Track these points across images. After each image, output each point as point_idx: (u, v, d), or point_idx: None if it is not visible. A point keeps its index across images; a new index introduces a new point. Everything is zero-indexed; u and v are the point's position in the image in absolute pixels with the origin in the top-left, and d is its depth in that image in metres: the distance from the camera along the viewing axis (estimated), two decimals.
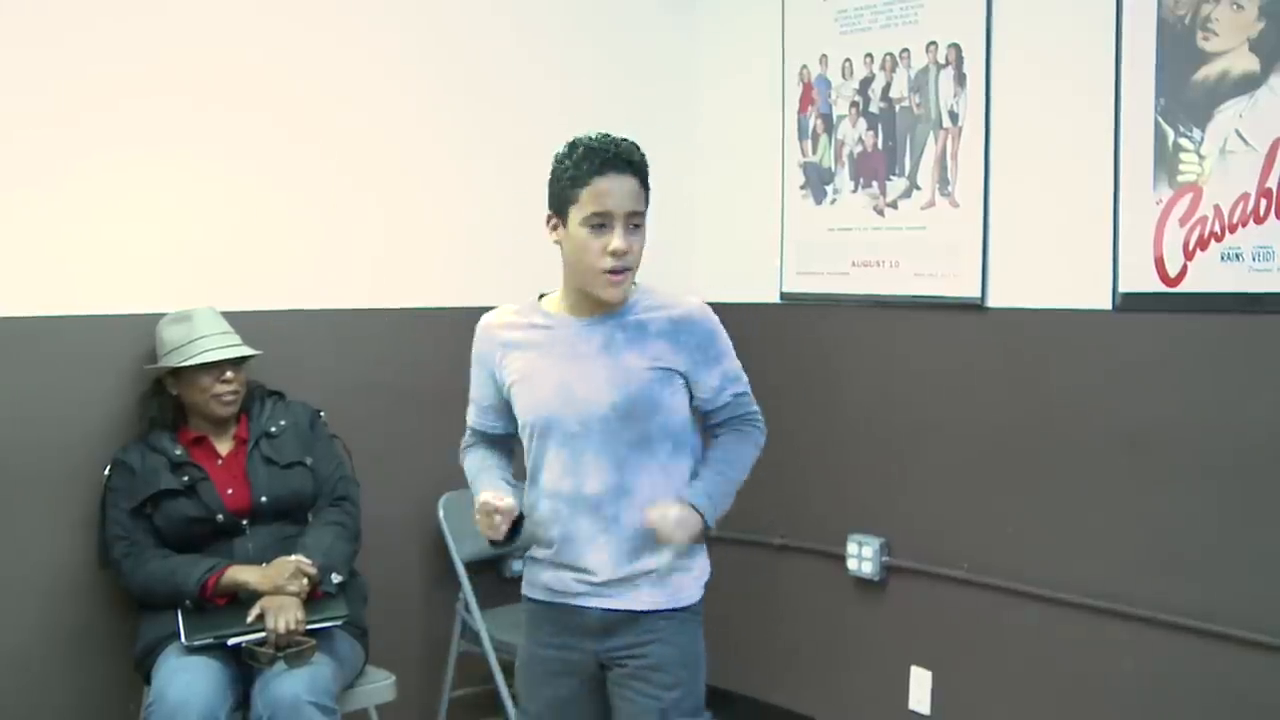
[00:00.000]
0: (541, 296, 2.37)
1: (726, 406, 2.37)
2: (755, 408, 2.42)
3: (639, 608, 2.29)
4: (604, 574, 2.28)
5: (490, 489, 2.28)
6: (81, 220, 2.97)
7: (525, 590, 2.41)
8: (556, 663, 2.34)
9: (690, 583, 2.35)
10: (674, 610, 2.31)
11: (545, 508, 2.29)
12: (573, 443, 2.25)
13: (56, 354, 2.94)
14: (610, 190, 2.17)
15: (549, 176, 2.25)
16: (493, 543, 2.26)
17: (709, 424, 2.39)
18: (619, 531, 2.26)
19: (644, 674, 2.29)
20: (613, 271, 2.19)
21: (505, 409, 2.37)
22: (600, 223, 2.17)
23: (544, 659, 2.36)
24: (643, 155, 2.24)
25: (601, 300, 2.24)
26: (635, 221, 2.21)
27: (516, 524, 2.25)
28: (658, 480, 2.28)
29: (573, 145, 2.23)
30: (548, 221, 2.26)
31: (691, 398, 2.34)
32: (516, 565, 3.70)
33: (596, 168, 2.17)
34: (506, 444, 2.45)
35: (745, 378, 2.40)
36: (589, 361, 2.26)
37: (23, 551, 2.91)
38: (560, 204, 2.22)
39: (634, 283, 2.29)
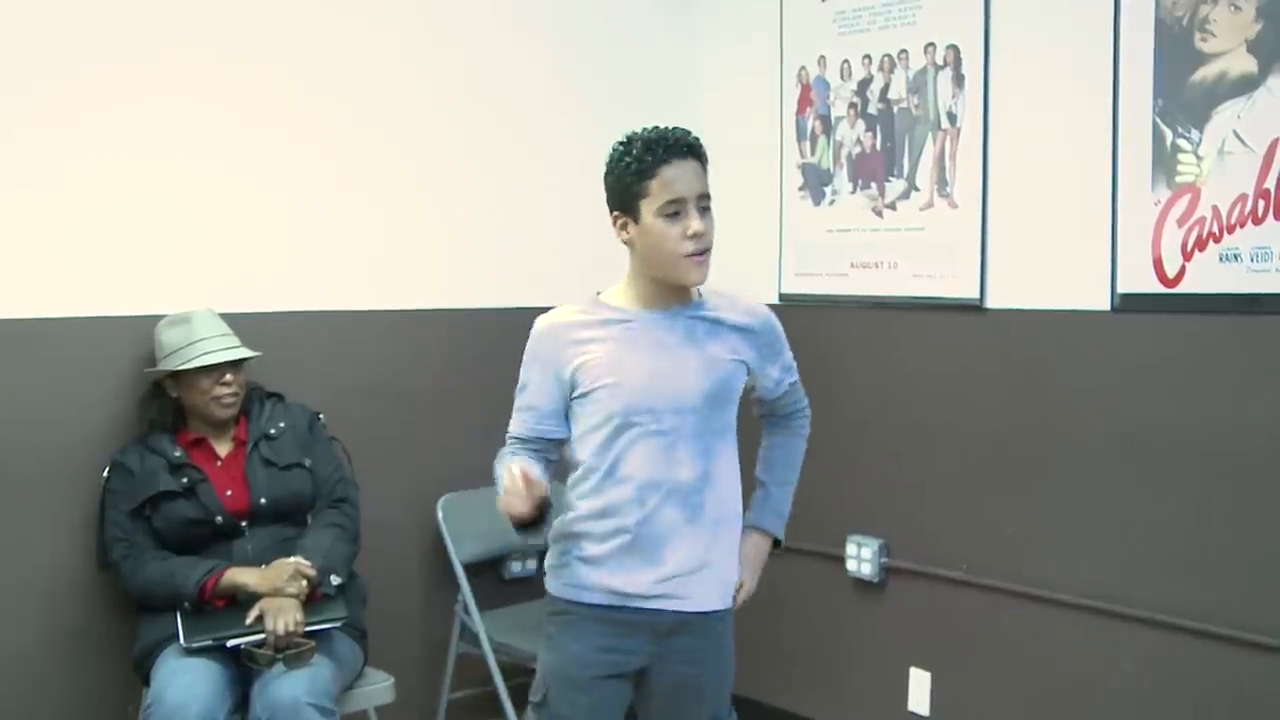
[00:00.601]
0: (598, 294, 2.36)
1: (785, 395, 2.47)
2: (805, 399, 2.54)
3: (708, 608, 2.31)
4: (685, 566, 2.27)
5: (510, 462, 2.18)
6: (80, 221, 2.97)
7: (568, 593, 2.31)
8: (605, 667, 2.29)
9: (734, 583, 2.40)
10: (726, 610, 2.37)
11: (625, 497, 2.24)
12: (666, 432, 2.25)
13: (55, 356, 2.94)
14: (679, 175, 2.20)
15: (606, 176, 2.26)
16: (519, 527, 2.15)
17: (767, 412, 2.50)
18: (703, 520, 2.28)
19: (700, 679, 2.35)
20: (695, 254, 2.21)
21: (564, 413, 2.32)
22: (675, 210, 2.20)
23: (591, 664, 2.28)
24: (698, 138, 2.27)
25: (676, 290, 2.28)
26: (704, 204, 2.24)
27: (543, 513, 2.15)
28: (730, 468, 2.34)
29: (629, 141, 2.25)
30: (615, 222, 2.27)
31: (751, 390, 2.42)
32: (515, 567, 3.72)
33: (661, 157, 2.20)
34: (552, 455, 2.37)
35: (795, 365, 2.50)
36: (677, 351, 2.27)
37: (22, 553, 2.91)
38: (627, 200, 2.23)
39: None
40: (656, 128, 2.25)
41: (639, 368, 2.25)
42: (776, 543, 2.49)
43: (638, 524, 2.25)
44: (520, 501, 2.11)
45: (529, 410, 2.34)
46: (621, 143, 2.26)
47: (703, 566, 2.29)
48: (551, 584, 2.36)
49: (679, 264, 2.22)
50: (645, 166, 2.20)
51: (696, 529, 2.28)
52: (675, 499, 2.26)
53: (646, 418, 2.24)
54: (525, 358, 2.35)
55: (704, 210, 2.23)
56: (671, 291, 2.29)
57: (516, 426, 2.36)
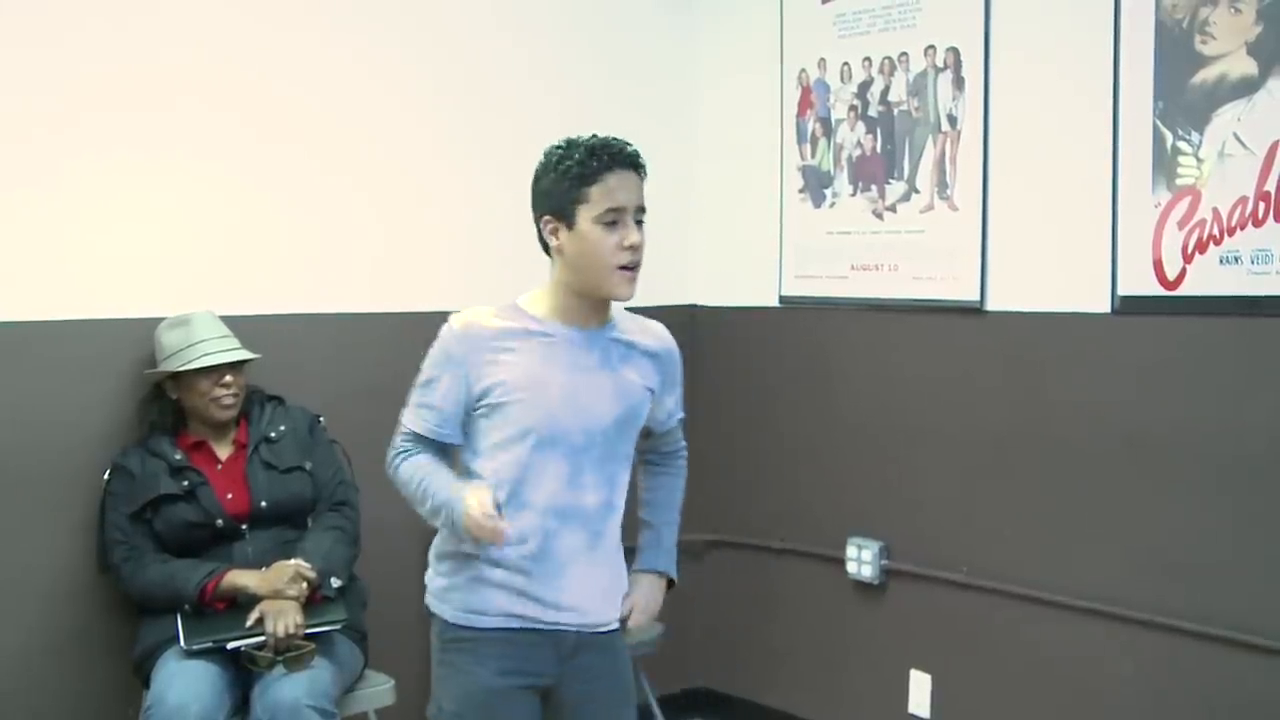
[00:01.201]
0: (518, 299, 2.31)
1: (671, 431, 2.45)
2: (685, 440, 2.52)
3: (608, 623, 2.30)
4: (586, 592, 2.25)
5: (474, 488, 2.15)
6: (81, 224, 2.98)
7: (465, 619, 2.24)
8: (512, 692, 2.23)
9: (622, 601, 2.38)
10: (621, 620, 2.35)
11: (529, 522, 2.19)
12: (575, 455, 2.21)
13: (56, 358, 2.94)
14: (621, 185, 2.18)
15: (541, 179, 2.22)
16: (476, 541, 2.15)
17: (650, 448, 2.44)
18: (603, 547, 2.28)
19: (606, 695, 2.31)
20: (627, 267, 2.18)
21: (465, 419, 2.25)
22: (614, 219, 2.16)
23: (501, 688, 2.22)
24: (639, 152, 2.25)
25: (595, 307, 2.24)
26: (640, 218, 2.22)
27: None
28: (623, 496, 2.33)
29: (569, 145, 2.21)
30: (544, 226, 2.22)
31: None
32: None
33: (606, 164, 2.17)
34: (448, 456, 2.30)
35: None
36: (592, 374, 2.24)
37: (22, 555, 2.91)
38: (564, 204, 2.17)
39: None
40: (598, 135, 2.22)
41: (555, 386, 2.21)
42: (671, 583, 2.44)
43: (540, 548, 2.21)
44: (496, 535, 2.11)
45: (432, 410, 2.26)
46: (560, 146, 2.21)
47: (603, 588, 2.31)
48: (443, 609, 2.29)
49: (610, 276, 2.18)
50: (589, 172, 2.16)
51: (596, 556, 2.27)
52: (577, 525, 2.23)
53: (559, 439, 2.19)
54: (436, 354, 2.26)
55: (639, 224, 2.21)
56: (592, 309, 2.25)
57: (415, 422, 2.28)
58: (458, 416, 2.25)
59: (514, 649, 2.22)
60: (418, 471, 2.26)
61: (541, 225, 2.22)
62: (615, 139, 2.22)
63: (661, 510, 2.46)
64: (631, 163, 2.21)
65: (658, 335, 2.36)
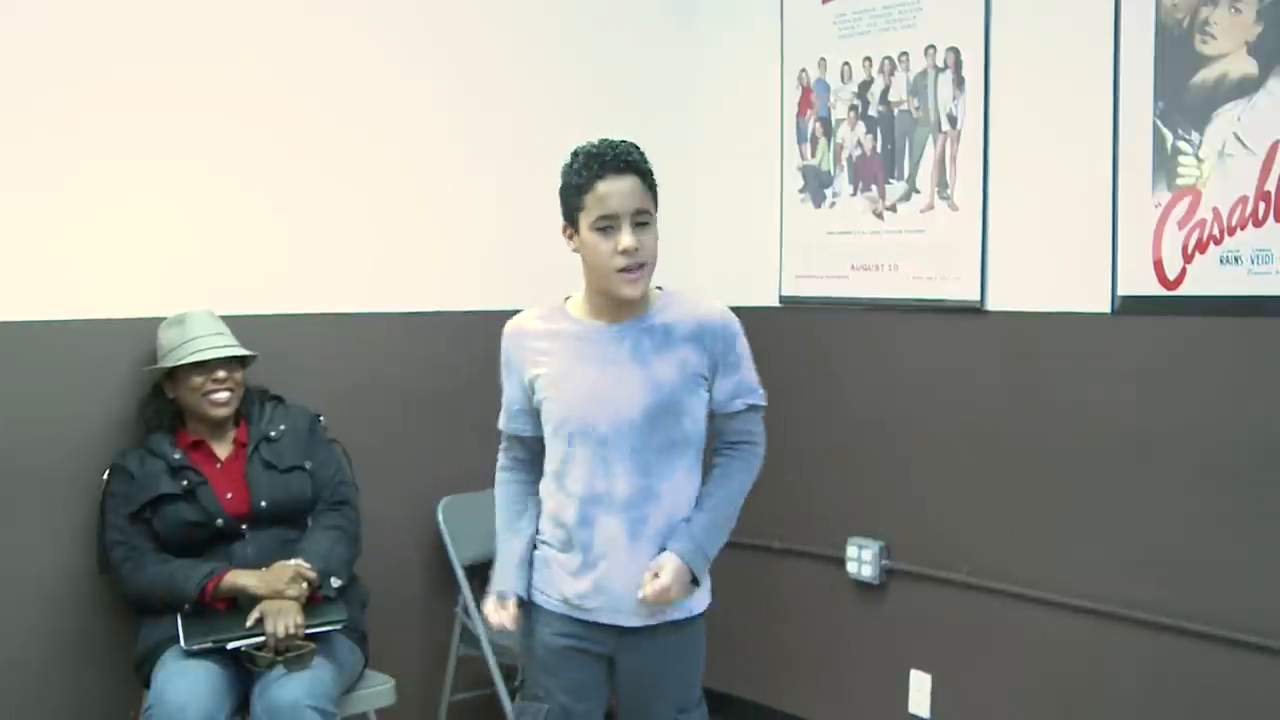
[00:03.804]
0: (567, 299, 2.41)
1: (737, 417, 2.40)
2: (760, 430, 2.45)
3: (655, 621, 2.35)
4: (628, 584, 2.30)
5: (499, 589, 2.40)
6: (80, 224, 2.97)
7: (536, 594, 2.42)
8: (575, 649, 2.38)
9: (699, 595, 2.41)
10: (685, 620, 2.39)
11: (570, 511, 2.32)
12: (604, 448, 2.29)
13: (55, 358, 2.94)
14: (612, 191, 2.24)
15: (561, 187, 2.32)
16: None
17: (717, 429, 2.42)
18: (644, 535, 2.32)
19: (657, 684, 2.39)
20: (626, 270, 2.25)
21: (535, 413, 2.40)
22: (607, 225, 2.24)
23: (560, 647, 2.39)
24: (642, 154, 2.30)
25: (623, 301, 2.30)
26: (642, 219, 2.27)
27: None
28: (682, 483, 2.35)
29: (574, 155, 2.30)
30: (564, 232, 2.33)
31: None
32: None
33: (596, 172, 2.25)
34: (538, 449, 2.44)
35: (762, 393, 2.43)
36: (619, 367, 2.30)
37: (22, 555, 2.91)
38: (570, 212, 2.30)
39: (658, 286, 2.38)
40: (604, 140, 2.29)
41: (580, 382, 2.31)
42: (695, 580, 2.35)
43: (581, 535, 2.33)
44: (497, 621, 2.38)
45: (506, 410, 2.46)
46: (570, 155, 2.31)
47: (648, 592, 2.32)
48: (530, 580, 2.44)
49: (612, 278, 2.26)
50: (583, 181, 2.25)
51: (638, 545, 2.31)
52: (614, 513, 2.30)
53: (586, 433, 2.30)
54: (502, 359, 2.45)
55: (641, 226, 2.26)
56: (620, 304, 2.31)
57: (503, 423, 2.48)
58: (525, 412, 2.41)
59: (570, 624, 2.38)
60: (500, 522, 2.48)
61: (562, 229, 2.34)
62: (614, 144, 2.28)
63: (705, 499, 2.38)
64: (628, 167, 2.25)
65: (700, 315, 2.36)
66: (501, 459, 2.52)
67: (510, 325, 2.43)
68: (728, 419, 2.41)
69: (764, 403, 2.43)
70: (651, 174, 2.30)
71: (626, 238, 2.23)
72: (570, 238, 2.32)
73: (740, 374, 2.39)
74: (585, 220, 2.26)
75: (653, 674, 2.39)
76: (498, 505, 2.50)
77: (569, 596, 2.36)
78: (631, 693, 2.42)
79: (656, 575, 2.29)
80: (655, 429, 2.30)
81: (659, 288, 2.39)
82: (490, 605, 2.40)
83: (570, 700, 2.38)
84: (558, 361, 2.34)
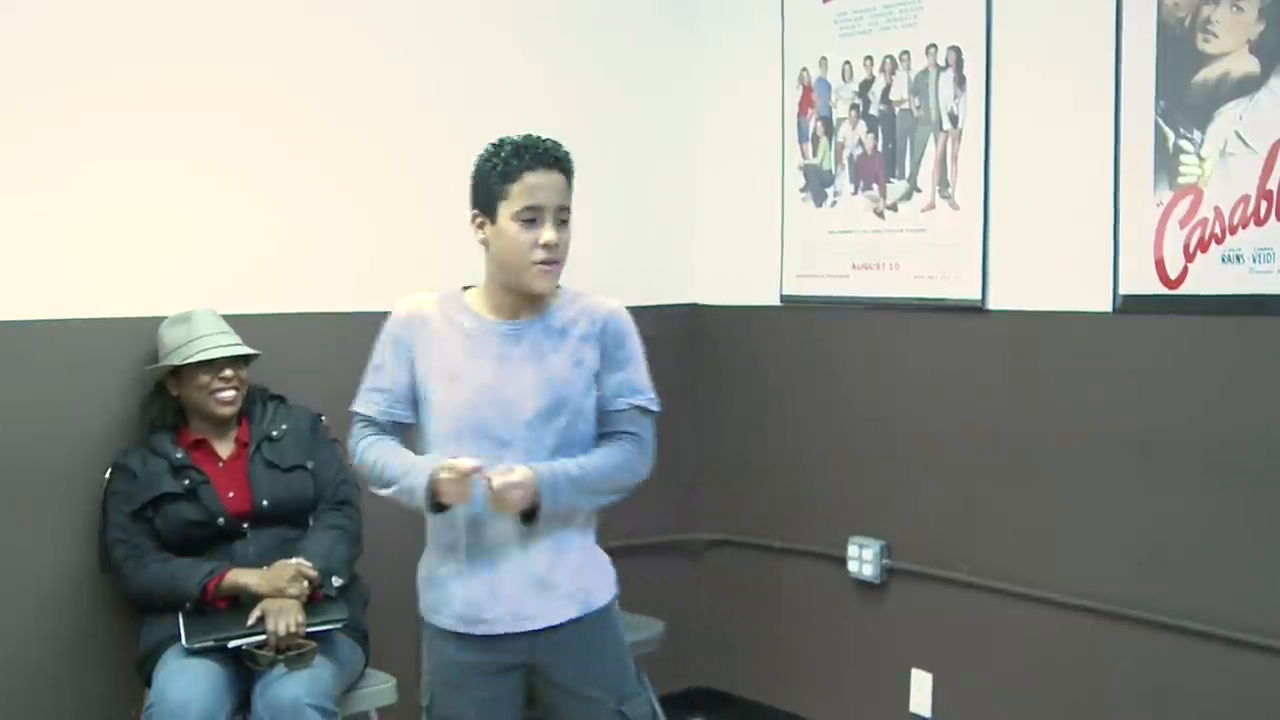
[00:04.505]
0: (466, 289, 2.38)
1: (620, 415, 2.34)
2: (647, 433, 2.36)
3: (556, 621, 2.30)
4: (524, 586, 2.26)
5: (427, 474, 2.21)
6: (82, 223, 2.98)
7: (430, 617, 2.36)
8: (480, 665, 2.32)
9: (599, 586, 2.37)
10: (586, 616, 2.33)
11: (464, 508, 2.24)
12: (498, 447, 2.25)
13: (57, 357, 2.95)
14: (541, 184, 2.23)
15: (473, 174, 2.30)
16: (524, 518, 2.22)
17: (601, 429, 2.34)
18: (537, 533, 2.27)
19: (578, 685, 2.34)
20: (544, 263, 2.23)
21: (414, 399, 2.34)
22: (531, 217, 2.23)
23: (464, 663, 2.33)
24: (568, 153, 2.29)
25: (527, 298, 2.28)
26: (563, 217, 2.26)
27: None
28: None
29: (499, 144, 2.28)
30: (472, 220, 2.30)
31: None
32: None
33: (527, 163, 2.23)
34: (405, 440, 2.37)
35: (653, 397, 2.37)
36: (516, 365, 2.28)
37: (24, 554, 2.91)
38: (488, 199, 2.26)
39: (558, 285, 2.34)
40: (530, 135, 2.28)
41: (474, 379, 2.27)
42: (532, 513, 2.23)
43: (471, 536, 2.27)
44: (463, 497, 2.18)
45: (382, 392, 2.36)
46: (493, 144, 2.29)
47: (544, 585, 2.29)
48: (421, 600, 2.40)
49: (526, 271, 2.24)
50: (510, 170, 2.23)
51: (528, 546, 2.27)
52: (502, 515, 2.24)
53: (479, 431, 2.24)
54: (382, 339, 2.37)
55: (562, 223, 2.25)
56: (522, 300, 2.29)
57: (367, 407, 2.38)
58: (407, 397, 2.35)
59: (473, 643, 2.31)
60: (379, 454, 2.33)
61: (471, 219, 2.30)
62: (544, 139, 2.27)
63: (581, 459, 2.28)
64: (556, 163, 2.25)
65: (596, 315, 2.32)
66: (360, 434, 2.37)
67: (405, 306, 2.36)
68: (611, 418, 2.33)
69: (654, 407, 2.36)
70: (573, 175, 2.29)
71: (549, 232, 2.22)
72: (480, 226, 2.28)
73: (627, 372, 2.33)
74: (507, 210, 2.23)
75: (580, 672, 2.34)
76: (373, 455, 2.31)
77: (463, 612, 2.30)
78: (565, 697, 2.35)
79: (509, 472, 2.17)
80: (550, 429, 2.27)
81: (558, 287, 2.35)
82: (442, 470, 2.18)
83: (483, 717, 2.33)
84: (453, 354, 2.29)
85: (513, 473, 2.18)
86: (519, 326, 2.31)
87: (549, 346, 2.30)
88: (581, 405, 2.30)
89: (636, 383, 2.36)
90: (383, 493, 2.34)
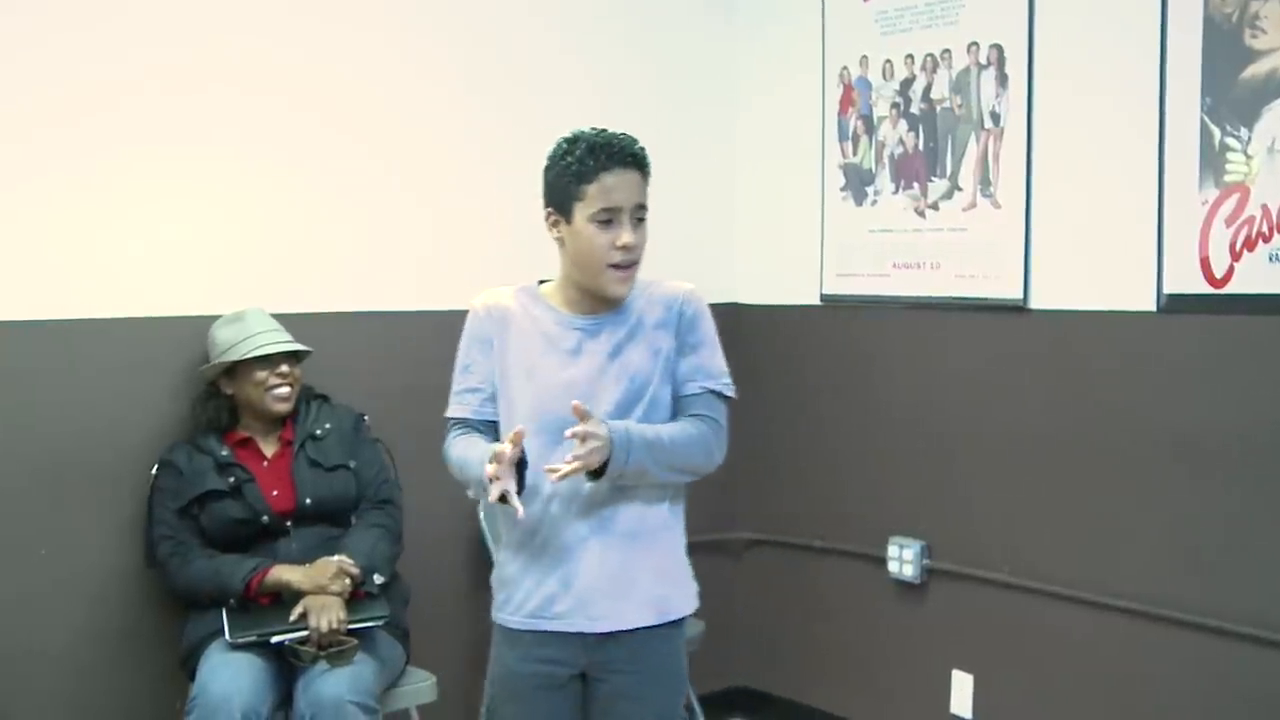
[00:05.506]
0: (541, 283, 2.34)
1: (695, 399, 2.27)
2: (722, 418, 2.31)
3: (625, 626, 2.24)
4: (597, 582, 2.21)
5: (484, 466, 2.11)
6: (130, 222, 3.03)
7: (499, 615, 2.31)
8: (542, 679, 2.27)
9: (678, 598, 2.32)
10: (659, 626, 2.28)
11: (538, 503, 2.20)
12: (575, 442, 2.16)
13: (106, 356, 2.99)
14: (618, 185, 2.17)
15: (546, 171, 2.24)
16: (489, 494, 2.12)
17: (678, 412, 2.29)
18: (612, 532, 2.23)
19: (639, 686, 2.27)
20: (621, 266, 2.19)
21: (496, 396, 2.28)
22: (609, 218, 2.18)
23: (527, 675, 2.27)
24: (644, 148, 2.23)
25: (604, 296, 2.24)
26: (640, 215, 2.21)
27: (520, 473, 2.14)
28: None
29: (574, 140, 2.21)
30: (547, 218, 2.25)
31: None
32: None
33: (603, 163, 2.17)
34: (494, 437, 2.29)
35: (728, 382, 2.32)
36: (593, 359, 2.24)
37: (72, 553, 2.96)
38: (563, 199, 2.20)
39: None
40: (604, 131, 2.22)
41: (553, 374, 2.22)
42: (603, 471, 2.15)
43: (545, 532, 2.22)
44: (506, 479, 2.07)
45: (474, 392, 2.30)
46: (566, 140, 2.23)
47: (618, 583, 2.23)
48: (493, 600, 2.35)
49: (603, 273, 2.20)
50: (586, 170, 2.16)
51: (606, 542, 2.22)
52: (579, 509, 2.21)
53: (554, 425, 2.16)
54: (466, 337, 2.32)
55: (638, 222, 2.20)
56: (597, 297, 2.24)
57: (460, 409, 2.31)
58: (494, 396, 2.29)
59: (539, 640, 2.26)
60: (460, 453, 2.26)
61: (545, 216, 2.25)
62: (619, 136, 2.21)
63: (660, 428, 2.23)
64: (633, 161, 2.19)
65: (672, 300, 2.28)
66: (455, 436, 2.30)
67: (484, 301, 2.31)
68: (686, 402, 2.27)
69: (729, 392, 2.30)
70: (649, 171, 2.23)
71: (627, 233, 2.17)
72: (555, 225, 2.23)
73: (701, 356, 2.28)
74: (583, 211, 2.17)
75: (631, 688, 2.26)
76: (455, 454, 2.25)
77: (533, 608, 2.25)
78: (609, 710, 2.28)
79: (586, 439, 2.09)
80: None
81: None
82: (490, 471, 2.09)
83: None
84: (532, 350, 2.25)
85: (589, 420, 2.11)
86: (597, 322, 2.26)
87: (626, 339, 2.25)
88: (658, 394, 2.26)
89: (711, 367, 2.30)
90: (471, 495, 2.31)
